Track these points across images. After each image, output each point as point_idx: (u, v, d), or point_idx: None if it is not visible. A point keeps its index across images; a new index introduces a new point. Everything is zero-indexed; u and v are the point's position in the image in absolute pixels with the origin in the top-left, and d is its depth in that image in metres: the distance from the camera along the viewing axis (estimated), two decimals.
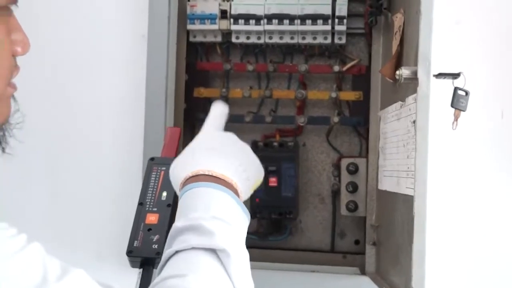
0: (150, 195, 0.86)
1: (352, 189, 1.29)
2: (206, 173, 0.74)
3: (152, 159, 0.91)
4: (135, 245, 0.81)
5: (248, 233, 1.35)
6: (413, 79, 0.88)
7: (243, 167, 0.78)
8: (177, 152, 0.89)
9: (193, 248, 0.65)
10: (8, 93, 0.67)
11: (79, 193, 1.33)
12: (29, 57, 0.68)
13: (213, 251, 0.65)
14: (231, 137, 0.82)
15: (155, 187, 0.87)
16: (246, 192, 0.78)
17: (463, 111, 0.92)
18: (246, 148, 0.82)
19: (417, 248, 0.87)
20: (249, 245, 1.39)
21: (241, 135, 1.34)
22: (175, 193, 0.83)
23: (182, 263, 0.64)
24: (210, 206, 0.70)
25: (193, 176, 0.75)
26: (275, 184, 1.28)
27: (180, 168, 0.77)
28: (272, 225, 1.34)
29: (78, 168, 1.34)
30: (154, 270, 0.79)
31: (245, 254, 0.68)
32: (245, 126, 1.34)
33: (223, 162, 0.76)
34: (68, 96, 1.33)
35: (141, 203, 0.85)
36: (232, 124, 1.32)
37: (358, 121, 1.31)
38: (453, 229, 1.25)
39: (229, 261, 0.64)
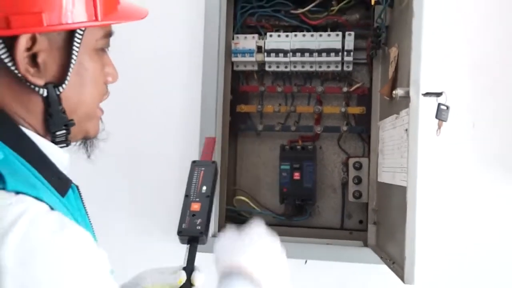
0: (193, 188, 0.85)
1: (357, 181, 1.30)
2: (248, 272, 0.71)
3: (194, 161, 0.89)
4: (183, 227, 0.81)
5: (278, 214, 1.36)
6: (406, 97, 0.89)
7: (278, 277, 0.74)
8: (212, 157, 0.89)
9: None
10: (98, 114, 0.69)
11: (148, 188, 1.35)
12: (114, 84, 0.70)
13: None
14: (278, 247, 0.76)
15: (197, 182, 0.86)
16: None
17: (445, 121, 0.93)
18: (284, 261, 0.76)
19: (409, 227, 0.88)
20: (279, 224, 1.37)
21: (272, 140, 1.36)
22: (212, 186, 0.85)
23: None
24: None
25: (236, 267, 0.72)
26: (298, 178, 1.29)
27: (229, 253, 0.74)
28: (296, 209, 1.35)
29: (149, 169, 1.35)
30: (198, 245, 0.80)
31: None
32: (275, 133, 1.36)
33: (266, 267, 0.72)
34: (140, 114, 1.35)
35: (187, 195, 0.85)
36: (267, 132, 1.35)
37: (362, 130, 1.32)
38: (437, 212, 1.23)
39: None
